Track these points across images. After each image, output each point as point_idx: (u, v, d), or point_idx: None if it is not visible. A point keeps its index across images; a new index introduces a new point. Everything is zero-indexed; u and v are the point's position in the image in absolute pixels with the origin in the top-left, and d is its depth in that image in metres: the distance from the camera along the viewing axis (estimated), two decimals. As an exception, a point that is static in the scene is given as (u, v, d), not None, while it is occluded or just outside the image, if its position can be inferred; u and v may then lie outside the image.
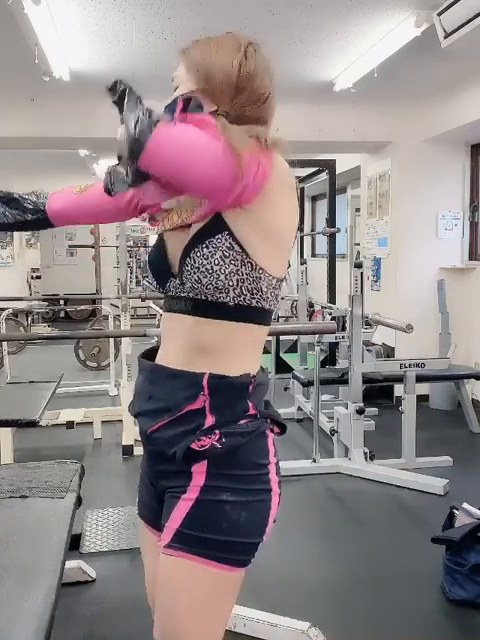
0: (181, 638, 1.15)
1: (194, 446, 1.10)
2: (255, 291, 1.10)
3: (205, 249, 1.07)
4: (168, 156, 0.95)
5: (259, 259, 1.09)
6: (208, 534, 1.10)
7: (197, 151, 0.98)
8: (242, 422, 1.12)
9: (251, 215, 1.06)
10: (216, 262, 1.06)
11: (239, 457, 1.12)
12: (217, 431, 1.10)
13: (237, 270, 1.07)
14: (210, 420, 1.10)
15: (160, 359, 1.19)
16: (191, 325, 1.12)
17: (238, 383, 1.11)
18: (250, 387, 1.12)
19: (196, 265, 1.07)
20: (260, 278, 1.09)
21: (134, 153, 0.92)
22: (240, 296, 1.09)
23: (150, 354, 1.24)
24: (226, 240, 1.06)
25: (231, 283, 1.08)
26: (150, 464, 1.24)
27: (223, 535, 1.10)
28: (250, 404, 1.13)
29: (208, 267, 1.06)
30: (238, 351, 1.13)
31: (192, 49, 1.17)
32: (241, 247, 1.07)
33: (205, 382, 1.10)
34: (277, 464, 1.18)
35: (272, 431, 1.19)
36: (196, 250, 1.07)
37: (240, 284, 1.08)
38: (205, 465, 1.11)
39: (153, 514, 1.23)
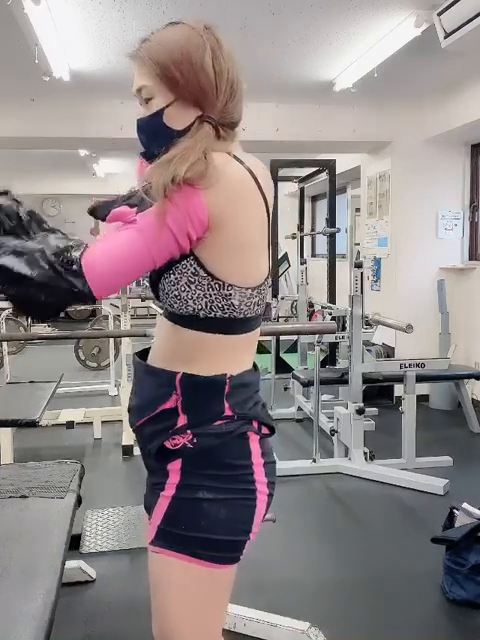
0: (174, 635, 1.15)
1: (167, 445, 1.11)
2: (226, 307, 1.09)
3: (172, 275, 1.08)
4: (110, 285, 1.04)
5: (228, 276, 1.07)
6: (187, 531, 1.10)
7: (127, 262, 1.03)
8: (217, 423, 1.10)
9: (211, 239, 1.05)
10: (182, 288, 1.07)
11: (215, 457, 1.11)
12: (189, 431, 1.10)
13: (204, 293, 1.07)
14: (182, 420, 1.10)
15: (149, 357, 1.21)
16: (169, 330, 1.14)
17: (210, 382, 1.10)
18: (226, 387, 1.11)
19: (165, 291, 1.10)
20: (230, 295, 1.08)
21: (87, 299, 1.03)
22: (211, 312, 1.09)
23: (146, 353, 1.25)
24: (191, 265, 1.06)
25: (200, 306, 1.08)
26: (142, 457, 1.26)
27: (202, 532, 1.09)
28: (226, 405, 1.11)
29: (176, 293, 1.08)
30: (213, 356, 1.12)
31: (149, 52, 1.09)
32: (206, 271, 1.06)
33: (177, 381, 1.10)
34: (266, 465, 1.15)
35: (259, 432, 1.16)
36: (165, 276, 1.09)
37: (209, 304, 1.08)
38: (179, 463, 1.11)
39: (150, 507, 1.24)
